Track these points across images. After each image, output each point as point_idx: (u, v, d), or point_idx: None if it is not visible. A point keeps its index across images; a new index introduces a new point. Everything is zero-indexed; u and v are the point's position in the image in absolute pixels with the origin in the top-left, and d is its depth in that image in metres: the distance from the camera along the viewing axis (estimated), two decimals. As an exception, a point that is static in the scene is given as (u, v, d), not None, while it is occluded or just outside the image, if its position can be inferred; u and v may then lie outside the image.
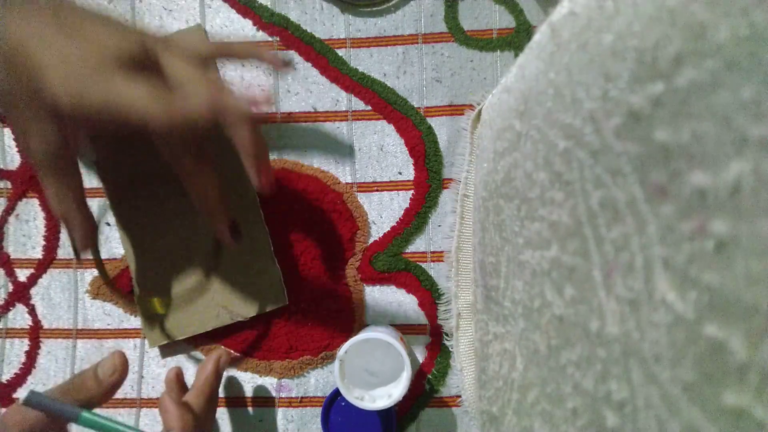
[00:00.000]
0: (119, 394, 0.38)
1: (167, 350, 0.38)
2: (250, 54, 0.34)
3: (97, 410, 0.28)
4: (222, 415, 0.38)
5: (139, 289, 0.37)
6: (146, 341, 0.38)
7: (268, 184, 0.30)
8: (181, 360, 0.38)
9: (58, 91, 0.27)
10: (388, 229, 0.37)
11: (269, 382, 0.38)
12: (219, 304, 0.37)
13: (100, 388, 0.29)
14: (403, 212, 0.37)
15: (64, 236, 0.38)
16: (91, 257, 0.36)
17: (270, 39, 0.37)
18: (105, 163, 0.36)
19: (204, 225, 0.36)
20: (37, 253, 0.38)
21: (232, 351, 0.38)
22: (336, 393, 0.36)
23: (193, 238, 0.37)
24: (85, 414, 0.27)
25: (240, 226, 0.32)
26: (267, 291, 0.37)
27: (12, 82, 0.28)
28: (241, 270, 0.37)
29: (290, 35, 0.37)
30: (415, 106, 0.37)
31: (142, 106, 0.27)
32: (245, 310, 0.37)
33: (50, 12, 0.28)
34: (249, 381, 0.38)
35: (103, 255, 0.38)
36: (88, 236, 0.31)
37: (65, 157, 0.30)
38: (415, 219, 0.37)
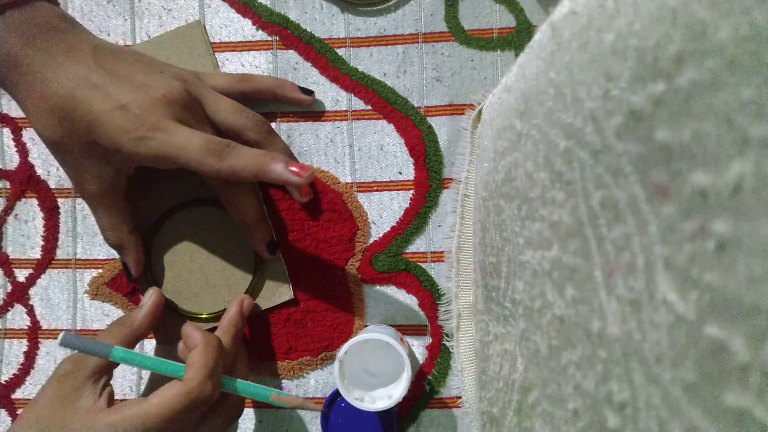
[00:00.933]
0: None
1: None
2: (275, 92, 0.36)
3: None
4: (222, 415, 0.38)
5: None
6: (144, 339, 0.38)
7: (307, 195, 0.36)
8: (180, 360, 0.38)
9: (120, 138, 0.28)
10: (388, 229, 0.37)
11: (269, 383, 0.38)
12: (225, 300, 0.37)
13: (141, 311, 0.33)
14: (403, 212, 0.37)
15: (62, 236, 0.38)
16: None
17: (269, 38, 0.37)
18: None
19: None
20: (36, 254, 0.38)
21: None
22: (336, 394, 0.36)
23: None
24: (117, 350, 0.29)
25: (276, 241, 0.36)
26: (272, 286, 0.37)
27: (66, 130, 0.29)
28: (245, 265, 0.37)
29: (290, 34, 0.37)
30: (416, 105, 0.37)
31: (196, 157, 0.28)
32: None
33: (90, 56, 0.29)
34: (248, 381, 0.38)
35: (104, 255, 0.38)
36: (140, 261, 0.35)
37: (118, 190, 0.32)
38: (415, 219, 0.37)
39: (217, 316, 0.36)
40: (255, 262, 0.37)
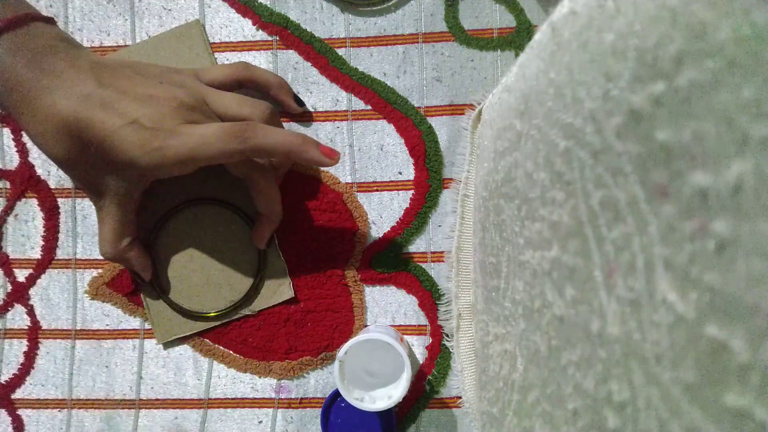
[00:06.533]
0: (118, 395, 0.38)
1: (169, 345, 0.38)
2: (270, 90, 0.36)
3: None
4: (221, 416, 0.38)
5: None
6: (144, 339, 0.38)
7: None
8: (181, 359, 0.38)
9: (135, 154, 0.28)
10: (388, 229, 0.37)
11: (269, 383, 0.38)
12: (227, 299, 0.37)
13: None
14: (403, 212, 0.37)
15: (62, 236, 0.38)
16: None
17: (269, 38, 0.37)
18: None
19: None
20: (36, 254, 0.38)
21: None
22: (336, 394, 0.36)
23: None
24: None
25: (274, 237, 0.37)
26: (273, 284, 0.37)
27: (77, 150, 0.29)
28: (247, 264, 0.37)
29: (290, 34, 0.37)
30: (416, 105, 0.37)
31: (218, 146, 0.28)
32: (253, 304, 0.37)
33: (91, 74, 0.29)
34: (248, 382, 0.38)
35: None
36: (148, 266, 0.35)
37: (132, 204, 0.32)
38: (415, 219, 0.37)
39: (224, 314, 0.37)
40: (258, 260, 0.37)
